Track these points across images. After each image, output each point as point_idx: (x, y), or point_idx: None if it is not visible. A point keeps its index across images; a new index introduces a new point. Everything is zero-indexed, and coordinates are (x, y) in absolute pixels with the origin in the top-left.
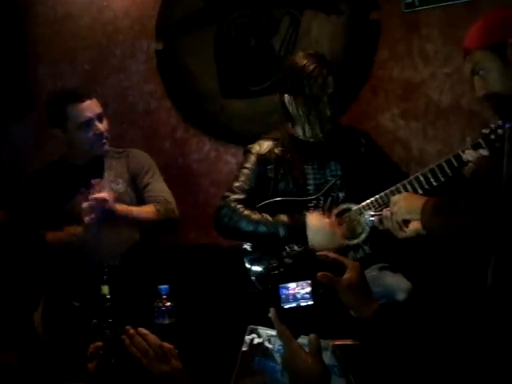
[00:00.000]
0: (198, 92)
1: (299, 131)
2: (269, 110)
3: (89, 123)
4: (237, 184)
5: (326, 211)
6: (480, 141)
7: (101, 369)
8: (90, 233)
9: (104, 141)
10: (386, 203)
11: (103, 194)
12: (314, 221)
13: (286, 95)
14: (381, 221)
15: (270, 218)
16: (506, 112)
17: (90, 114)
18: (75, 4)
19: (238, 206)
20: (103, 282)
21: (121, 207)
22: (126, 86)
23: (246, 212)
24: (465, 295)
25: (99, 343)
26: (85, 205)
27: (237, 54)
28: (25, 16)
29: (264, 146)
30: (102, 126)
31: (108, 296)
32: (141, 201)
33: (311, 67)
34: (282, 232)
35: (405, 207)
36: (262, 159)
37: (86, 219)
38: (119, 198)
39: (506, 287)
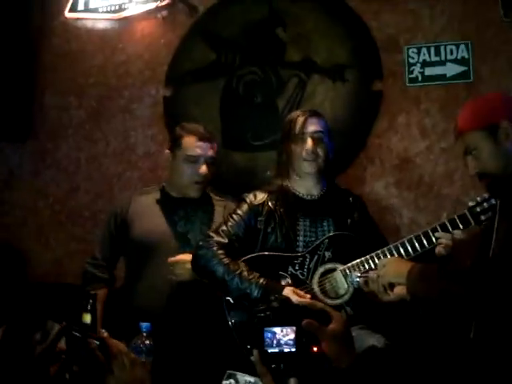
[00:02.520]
0: None
1: (295, 186)
2: (267, 166)
3: (196, 160)
4: (223, 227)
5: (308, 290)
6: (466, 212)
7: (61, 374)
8: None
9: (201, 186)
10: (369, 266)
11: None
12: (290, 296)
13: (280, 146)
14: (366, 282)
15: (246, 275)
16: (498, 190)
17: (200, 152)
18: (90, 42)
19: (219, 252)
20: (86, 310)
21: None
22: (130, 127)
23: (226, 260)
24: (444, 360)
25: (63, 346)
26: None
27: (241, 109)
28: (39, 45)
29: (259, 197)
30: (205, 170)
31: (89, 325)
32: None
33: (298, 112)
34: (255, 293)
35: (392, 271)
36: (254, 210)
37: (171, 277)
38: None
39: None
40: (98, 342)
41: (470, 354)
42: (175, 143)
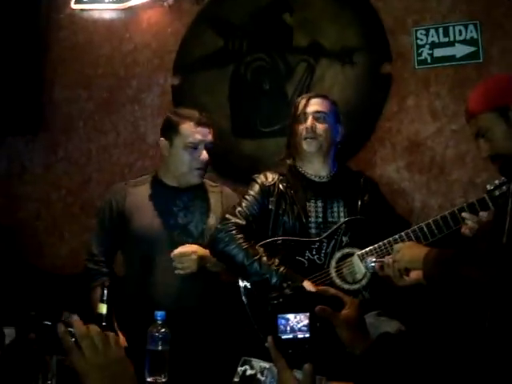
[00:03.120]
0: None
1: (303, 168)
2: (277, 152)
3: (196, 146)
4: (239, 209)
5: (326, 275)
6: (485, 196)
7: (33, 365)
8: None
9: (202, 172)
10: (387, 251)
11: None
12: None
13: (288, 129)
14: (382, 267)
15: (266, 260)
16: (511, 172)
17: (200, 138)
18: (97, 33)
19: (238, 236)
20: (102, 301)
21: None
22: (139, 117)
23: (245, 244)
24: (459, 346)
25: (33, 335)
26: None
27: (250, 95)
28: (46, 38)
29: (269, 177)
30: (206, 156)
31: (105, 315)
32: None
33: (304, 95)
34: (274, 280)
35: (407, 256)
36: (265, 190)
37: (179, 272)
38: (208, 231)
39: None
40: (69, 329)
41: (484, 343)
42: (172, 130)
